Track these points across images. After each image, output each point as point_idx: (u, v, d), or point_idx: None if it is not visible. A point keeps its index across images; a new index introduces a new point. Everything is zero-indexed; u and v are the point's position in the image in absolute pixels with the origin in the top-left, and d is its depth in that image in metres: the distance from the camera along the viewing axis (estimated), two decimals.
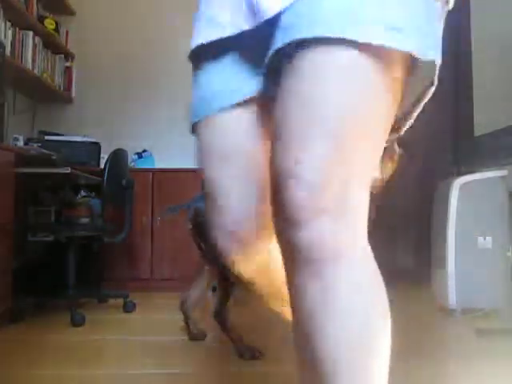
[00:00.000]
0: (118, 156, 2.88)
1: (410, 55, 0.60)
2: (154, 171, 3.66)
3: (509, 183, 2.62)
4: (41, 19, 3.64)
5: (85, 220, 2.80)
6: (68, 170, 2.71)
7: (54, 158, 3.06)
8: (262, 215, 0.76)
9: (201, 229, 1.99)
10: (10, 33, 3.19)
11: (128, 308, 2.77)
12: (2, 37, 3.08)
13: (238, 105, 0.74)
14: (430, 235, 2.87)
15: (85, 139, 3.74)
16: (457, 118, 3.86)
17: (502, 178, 2.62)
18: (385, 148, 1.41)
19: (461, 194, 2.62)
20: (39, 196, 2.94)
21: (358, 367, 0.60)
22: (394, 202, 3.98)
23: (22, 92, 3.70)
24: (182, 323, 2.12)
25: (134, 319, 2.63)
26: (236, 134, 0.77)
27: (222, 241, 0.80)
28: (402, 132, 0.78)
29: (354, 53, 0.58)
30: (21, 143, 3.20)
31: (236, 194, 0.78)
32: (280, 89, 0.63)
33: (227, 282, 1.90)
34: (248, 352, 1.83)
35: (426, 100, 0.75)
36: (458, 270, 2.59)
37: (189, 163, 3.75)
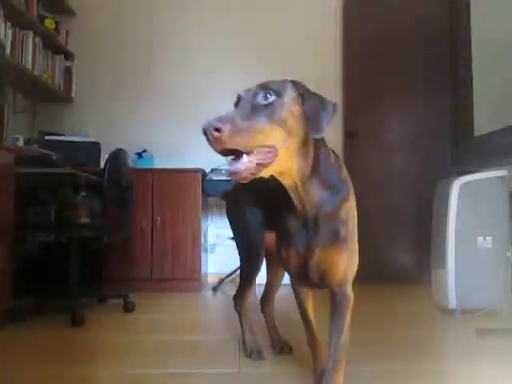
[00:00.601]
0: (117, 156, 2.88)
1: None
2: (154, 171, 3.66)
3: (509, 183, 2.62)
4: (41, 19, 3.64)
5: (85, 220, 2.80)
6: (68, 170, 2.71)
7: (53, 158, 3.07)
8: None
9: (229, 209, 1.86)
10: (9, 33, 3.19)
11: (128, 308, 2.77)
12: (2, 37, 3.08)
13: None
14: (430, 235, 2.87)
15: (85, 139, 3.74)
16: (457, 118, 3.86)
17: (502, 178, 2.63)
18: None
19: (461, 193, 2.62)
20: (39, 196, 2.94)
21: None
22: (394, 202, 3.98)
23: (21, 92, 3.71)
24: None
25: (133, 319, 2.63)
26: None
27: None
28: None
29: None
30: (21, 143, 3.20)
31: None
32: None
33: (275, 270, 1.87)
34: (278, 345, 1.86)
35: None
36: (458, 270, 2.59)
37: (189, 163, 3.75)
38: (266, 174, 1.05)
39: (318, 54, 4.14)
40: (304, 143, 1.10)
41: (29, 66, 3.39)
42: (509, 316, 2.45)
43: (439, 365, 1.77)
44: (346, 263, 1.22)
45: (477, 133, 3.36)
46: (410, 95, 4.02)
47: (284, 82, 1.10)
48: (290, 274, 1.35)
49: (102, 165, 3.12)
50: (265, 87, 1.06)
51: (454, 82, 3.91)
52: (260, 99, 1.04)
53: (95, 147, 3.72)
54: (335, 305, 1.28)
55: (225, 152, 0.99)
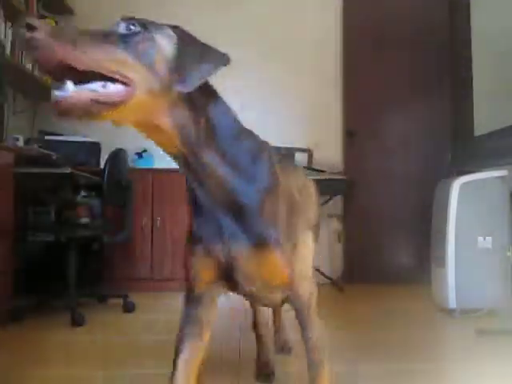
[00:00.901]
0: (118, 156, 2.88)
1: None
2: (154, 171, 3.66)
3: (509, 183, 2.62)
4: (41, 19, 3.64)
5: (85, 220, 2.80)
6: (68, 170, 2.71)
7: (54, 157, 3.06)
8: None
9: None
10: (9, 33, 3.19)
11: (128, 308, 2.77)
12: (2, 37, 3.08)
13: None
14: (430, 235, 2.88)
15: (85, 139, 3.74)
16: (457, 117, 3.86)
17: (502, 178, 2.63)
18: None
19: (461, 193, 2.62)
20: (39, 196, 2.94)
21: None
22: (393, 201, 3.98)
23: (21, 92, 3.70)
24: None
25: (133, 319, 2.63)
26: None
27: None
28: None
29: None
30: (21, 143, 3.20)
31: None
32: None
33: None
34: (279, 344, 1.84)
35: None
36: (458, 270, 2.59)
37: None
38: (115, 118, 0.82)
39: (318, 54, 4.14)
40: (188, 100, 0.85)
41: (29, 66, 3.39)
42: (509, 316, 2.45)
43: (439, 365, 1.77)
44: (285, 270, 0.99)
45: (477, 133, 3.36)
46: (409, 95, 4.02)
47: (161, 24, 0.89)
48: (188, 285, 1.05)
49: (102, 165, 3.12)
50: (129, 18, 0.85)
51: (454, 82, 3.91)
52: (120, 29, 0.82)
53: (95, 147, 3.72)
54: (294, 309, 1.15)
55: (52, 69, 0.73)
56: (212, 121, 0.89)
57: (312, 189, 1.31)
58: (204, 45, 0.86)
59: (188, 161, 0.89)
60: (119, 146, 2.99)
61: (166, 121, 0.84)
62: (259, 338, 1.68)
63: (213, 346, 2.01)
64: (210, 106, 0.90)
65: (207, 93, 0.91)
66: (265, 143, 1.01)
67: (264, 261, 0.95)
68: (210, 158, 0.88)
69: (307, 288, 1.12)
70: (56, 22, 3.82)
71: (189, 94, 0.83)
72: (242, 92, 4.00)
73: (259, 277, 0.99)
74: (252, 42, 4.08)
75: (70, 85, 0.73)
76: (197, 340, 1.07)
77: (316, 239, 1.33)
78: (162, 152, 0.96)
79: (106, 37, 0.78)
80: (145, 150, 3.88)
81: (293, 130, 4.02)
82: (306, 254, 1.10)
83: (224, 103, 0.95)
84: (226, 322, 2.46)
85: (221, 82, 4.02)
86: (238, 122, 0.96)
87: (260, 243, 0.93)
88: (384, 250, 3.92)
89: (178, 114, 0.85)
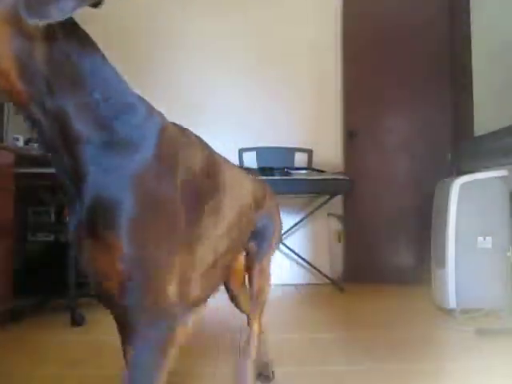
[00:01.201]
0: None
1: None
2: None
3: (509, 183, 2.62)
4: None
5: None
6: None
7: None
8: None
9: None
10: None
11: None
12: None
13: None
14: (430, 235, 2.88)
15: None
16: (457, 118, 3.86)
17: (502, 178, 2.62)
18: None
19: (461, 193, 2.62)
20: (39, 196, 2.94)
21: None
22: (394, 201, 3.98)
23: None
24: None
25: None
26: None
27: None
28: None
29: None
30: (21, 143, 3.20)
31: None
32: None
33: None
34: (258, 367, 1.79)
35: None
36: (458, 270, 2.59)
37: None
38: None
39: (318, 54, 4.14)
40: (47, 39, 0.71)
41: None
42: (509, 316, 2.45)
43: (439, 365, 1.77)
44: (117, 266, 0.75)
45: (477, 133, 3.36)
46: (410, 95, 4.02)
47: None
48: None
49: None
50: None
51: (454, 82, 3.91)
52: None
53: None
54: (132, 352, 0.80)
55: None
56: (81, 70, 0.74)
57: (225, 173, 1.06)
58: None
59: (32, 114, 0.72)
60: None
61: (4, 54, 0.67)
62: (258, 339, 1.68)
63: (213, 346, 2.01)
64: (82, 53, 0.76)
65: (80, 40, 0.77)
66: (155, 109, 0.86)
67: (96, 250, 0.76)
68: (63, 110, 0.72)
69: (149, 307, 0.81)
70: None
71: (51, 34, 0.71)
72: (242, 93, 4.01)
73: (93, 271, 0.82)
74: (252, 43, 4.08)
75: None
76: None
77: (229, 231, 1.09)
78: None
79: None
80: None
81: (293, 130, 4.02)
82: (162, 254, 0.80)
83: (103, 57, 0.81)
84: (226, 322, 2.46)
85: (221, 85, 4.07)
86: (121, 80, 0.83)
87: (98, 227, 0.74)
88: (384, 250, 3.93)
89: (25, 51, 0.68)
